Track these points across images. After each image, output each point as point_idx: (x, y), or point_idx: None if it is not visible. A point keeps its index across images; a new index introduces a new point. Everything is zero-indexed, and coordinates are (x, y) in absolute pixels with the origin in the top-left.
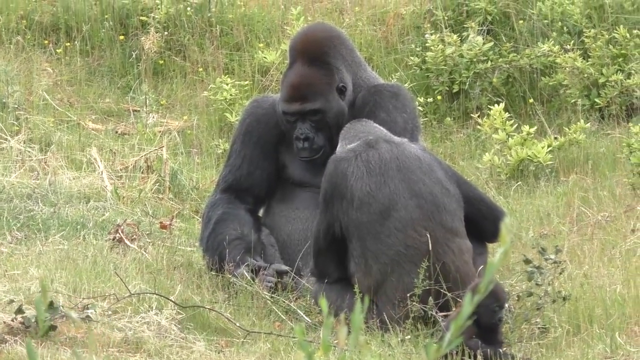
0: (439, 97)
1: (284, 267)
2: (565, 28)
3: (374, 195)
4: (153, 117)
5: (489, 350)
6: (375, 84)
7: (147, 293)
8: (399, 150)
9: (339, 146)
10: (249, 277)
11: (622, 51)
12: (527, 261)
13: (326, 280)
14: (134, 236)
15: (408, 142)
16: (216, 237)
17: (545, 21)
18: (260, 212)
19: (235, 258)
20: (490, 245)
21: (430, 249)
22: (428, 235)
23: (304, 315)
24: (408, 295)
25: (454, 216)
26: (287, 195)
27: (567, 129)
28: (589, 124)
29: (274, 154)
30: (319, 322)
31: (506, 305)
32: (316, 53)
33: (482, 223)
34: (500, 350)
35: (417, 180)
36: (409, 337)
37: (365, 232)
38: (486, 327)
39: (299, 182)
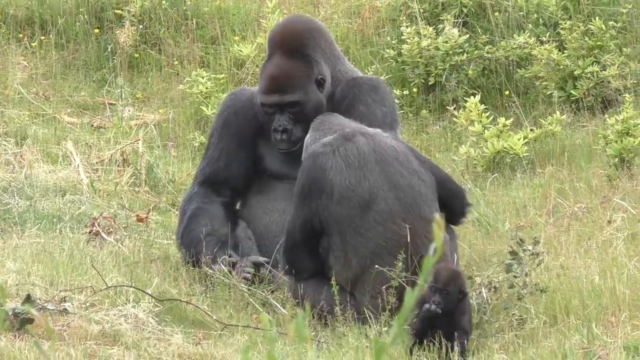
0: (414, 90)
1: (261, 259)
2: (541, 20)
3: (354, 189)
4: (129, 111)
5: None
6: (354, 77)
7: (124, 286)
8: (375, 142)
9: (309, 137)
10: (225, 270)
11: (598, 43)
12: (513, 253)
13: (302, 276)
14: (111, 229)
15: (381, 133)
16: (189, 233)
17: (521, 13)
18: (238, 205)
19: (210, 253)
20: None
21: (409, 241)
22: (407, 228)
23: (280, 307)
24: (384, 287)
25: (431, 207)
26: (265, 187)
27: (543, 121)
28: (564, 116)
29: (252, 146)
30: (296, 314)
31: (451, 289)
32: (295, 45)
33: (454, 201)
34: (456, 341)
35: (395, 172)
36: (385, 329)
37: (346, 226)
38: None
39: (276, 174)
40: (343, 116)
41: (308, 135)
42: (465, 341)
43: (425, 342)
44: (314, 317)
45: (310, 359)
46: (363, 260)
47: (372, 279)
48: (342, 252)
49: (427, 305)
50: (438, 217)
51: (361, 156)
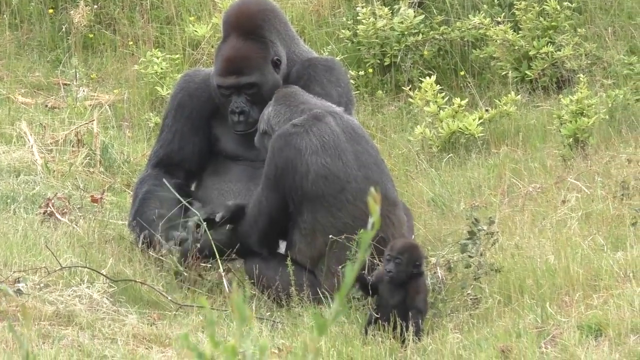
0: (370, 70)
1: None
2: (495, 0)
3: (330, 168)
4: (83, 91)
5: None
6: (309, 58)
7: (78, 267)
8: (343, 122)
9: (272, 109)
10: (175, 251)
11: (553, 23)
12: (471, 233)
13: (260, 254)
14: (65, 210)
15: (343, 111)
16: (140, 216)
17: None
18: (193, 186)
19: (158, 238)
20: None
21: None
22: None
23: (248, 285)
24: (340, 267)
25: (393, 186)
26: (220, 168)
27: (498, 101)
28: (519, 96)
29: (207, 128)
30: (253, 294)
31: (404, 259)
32: (250, 27)
33: None
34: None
35: (363, 151)
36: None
37: (319, 206)
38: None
39: (232, 156)
40: None
41: (270, 108)
42: (420, 321)
43: (380, 321)
44: (269, 297)
45: (254, 338)
46: (328, 239)
47: (335, 258)
48: (310, 230)
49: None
50: (373, 191)
51: (335, 136)
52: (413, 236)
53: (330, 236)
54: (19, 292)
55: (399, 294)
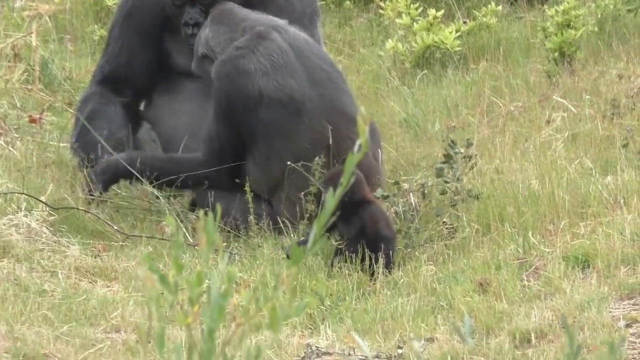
0: None
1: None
2: None
3: (282, 89)
4: (21, 0)
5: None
6: None
7: (15, 193)
8: (290, 36)
9: (209, 31)
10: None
11: None
12: (448, 156)
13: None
14: (0, 131)
15: (287, 24)
16: (85, 136)
17: None
18: (142, 105)
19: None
20: None
21: (331, 143)
22: (330, 129)
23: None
24: (302, 194)
25: (352, 103)
26: (172, 86)
27: (476, 13)
28: (500, 7)
29: (157, 42)
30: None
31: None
32: None
33: None
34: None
35: (315, 67)
36: (303, 237)
37: (274, 131)
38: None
39: (185, 72)
40: (259, 9)
41: (207, 29)
42: (391, 252)
43: (347, 253)
44: (225, 226)
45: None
46: (285, 166)
47: (292, 185)
48: (265, 158)
49: None
50: (363, 111)
51: (283, 53)
52: (380, 151)
53: (289, 162)
54: None
55: (355, 225)
